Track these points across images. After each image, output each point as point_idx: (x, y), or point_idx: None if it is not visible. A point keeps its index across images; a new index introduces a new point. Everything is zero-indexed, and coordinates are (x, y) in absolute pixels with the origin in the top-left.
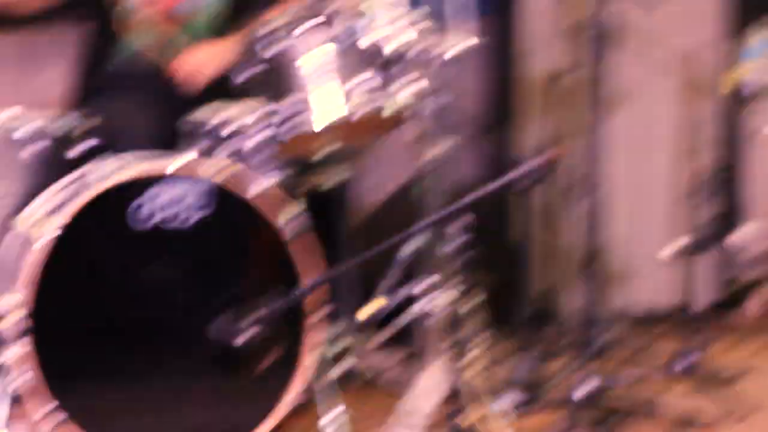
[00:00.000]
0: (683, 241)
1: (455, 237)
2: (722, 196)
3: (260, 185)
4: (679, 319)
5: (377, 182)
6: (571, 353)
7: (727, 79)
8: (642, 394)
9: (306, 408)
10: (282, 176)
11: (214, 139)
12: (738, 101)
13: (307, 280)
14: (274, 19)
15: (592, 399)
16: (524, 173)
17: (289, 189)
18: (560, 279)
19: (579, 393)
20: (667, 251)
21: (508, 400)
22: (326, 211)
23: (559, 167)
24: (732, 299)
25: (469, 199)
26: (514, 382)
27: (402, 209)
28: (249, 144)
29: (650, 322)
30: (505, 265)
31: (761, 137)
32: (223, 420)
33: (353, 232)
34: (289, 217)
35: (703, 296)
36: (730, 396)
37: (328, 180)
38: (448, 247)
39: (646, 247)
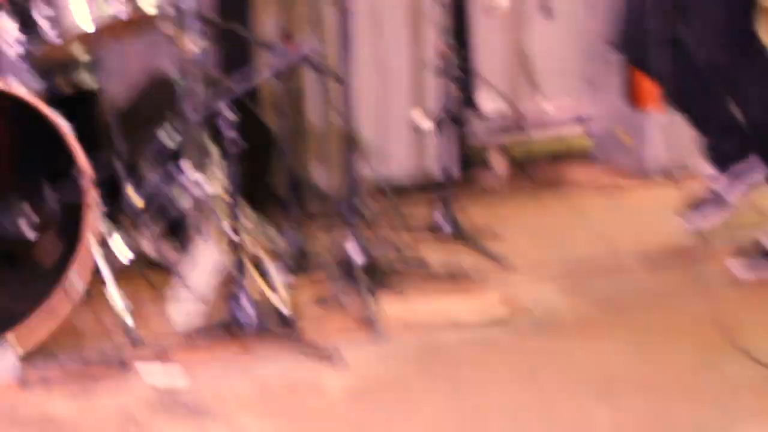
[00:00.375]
0: (429, 112)
1: (215, 125)
2: (459, 68)
3: (18, 89)
4: (431, 186)
5: (129, 81)
6: (337, 223)
7: None
8: (407, 255)
9: (91, 295)
10: (37, 82)
11: None
12: None
13: (76, 174)
14: None
15: (362, 262)
16: (276, 60)
17: (44, 93)
18: (320, 157)
19: (349, 257)
20: (416, 123)
21: (283, 270)
22: (82, 110)
23: (307, 52)
24: (478, 165)
25: (224, 88)
26: (287, 253)
27: (157, 104)
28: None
29: (405, 190)
30: (265, 148)
31: (489, 10)
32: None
33: (111, 128)
34: (52, 117)
35: (452, 163)
36: (487, 253)
37: (81, 82)
38: (210, 135)
39: (395, 121)
